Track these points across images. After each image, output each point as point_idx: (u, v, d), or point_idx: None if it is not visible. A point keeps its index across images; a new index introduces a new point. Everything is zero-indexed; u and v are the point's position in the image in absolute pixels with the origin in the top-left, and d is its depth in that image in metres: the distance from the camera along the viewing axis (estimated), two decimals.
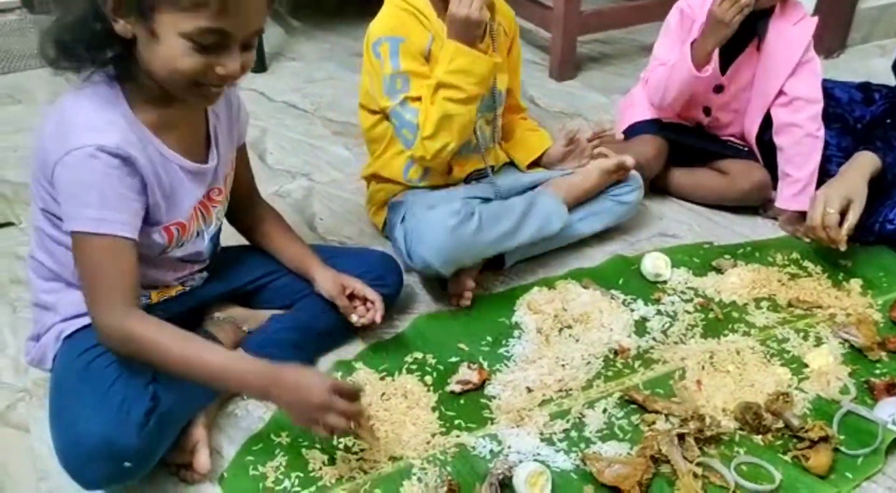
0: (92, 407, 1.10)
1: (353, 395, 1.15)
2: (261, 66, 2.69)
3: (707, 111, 1.99)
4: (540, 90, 2.59)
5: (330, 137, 2.31)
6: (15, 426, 1.33)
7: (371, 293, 1.43)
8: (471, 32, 1.50)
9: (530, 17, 2.68)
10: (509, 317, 1.59)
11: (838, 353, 1.49)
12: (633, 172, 1.81)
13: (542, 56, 2.78)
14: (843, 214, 1.64)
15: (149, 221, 1.16)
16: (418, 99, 1.55)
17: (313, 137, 2.31)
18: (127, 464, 1.09)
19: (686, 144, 1.97)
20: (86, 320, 1.21)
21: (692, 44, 1.79)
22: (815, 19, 1.85)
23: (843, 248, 1.64)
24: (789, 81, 1.84)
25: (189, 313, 1.38)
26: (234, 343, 1.40)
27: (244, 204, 1.43)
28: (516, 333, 1.55)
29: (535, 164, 1.84)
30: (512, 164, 1.84)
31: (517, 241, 1.63)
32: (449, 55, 1.51)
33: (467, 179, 1.73)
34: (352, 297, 1.43)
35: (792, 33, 1.83)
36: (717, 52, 1.78)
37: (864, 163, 1.72)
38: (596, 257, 1.79)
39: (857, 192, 1.65)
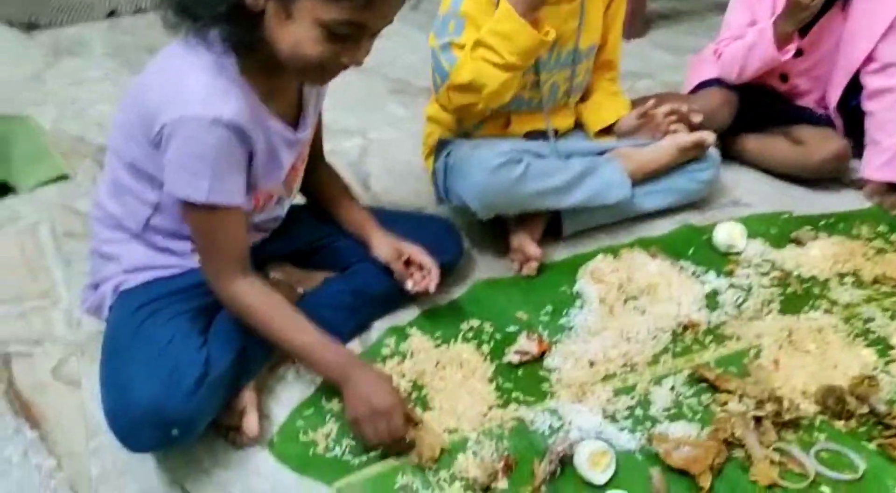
0: (143, 372, 1.07)
1: (410, 422, 1.18)
2: None
3: (784, 78, 1.85)
4: None
5: (387, 95, 2.24)
6: (67, 380, 1.32)
7: (427, 261, 1.37)
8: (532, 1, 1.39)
9: None
10: (571, 286, 1.52)
11: None
12: (711, 150, 1.69)
13: None
14: None
15: (251, 175, 1.15)
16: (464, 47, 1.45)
17: (370, 94, 2.24)
18: (175, 431, 1.06)
19: (759, 104, 1.84)
20: (145, 276, 1.20)
21: (774, 23, 1.66)
22: None
23: None
24: (880, 46, 1.69)
25: None
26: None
27: (311, 166, 1.39)
28: (578, 303, 1.48)
29: (606, 131, 1.72)
30: (581, 128, 1.73)
31: (565, 202, 1.54)
32: (498, 15, 1.41)
33: (527, 136, 1.64)
34: (408, 263, 1.37)
35: None
36: None
37: None
38: (663, 225, 1.70)
39: None
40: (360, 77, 2.32)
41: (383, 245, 1.37)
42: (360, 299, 1.39)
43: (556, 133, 1.65)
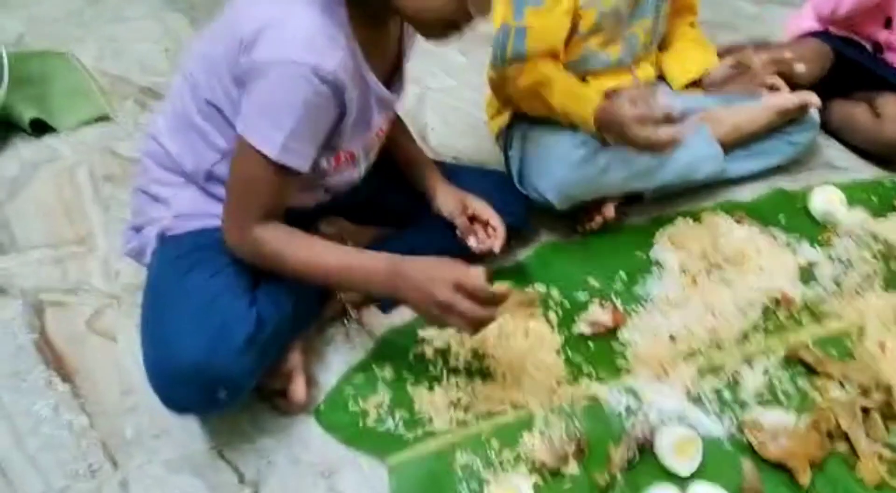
0: (189, 325, 0.97)
1: (482, 297, 0.96)
2: None
3: (889, 23, 1.65)
4: None
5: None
6: (102, 333, 1.23)
7: (495, 219, 1.24)
8: (615, 135, 1.22)
9: None
10: (647, 251, 1.38)
11: None
12: (812, 110, 1.51)
13: None
14: None
15: (325, 145, 1.03)
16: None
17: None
18: (221, 392, 0.96)
19: (852, 62, 1.65)
20: (194, 224, 1.09)
21: None
22: None
23: None
24: None
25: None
26: None
27: None
28: (655, 270, 1.34)
29: (693, 84, 1.53)
30: (663, 80, 1.55)
31: (652, 183, 1.40)
32: (579, 103, 1.25)
33: (607, 95, 1.47)
34: (472, 219, 1.24)
35: None
36: None
37: None
38: (750, 188, 1.54)
39: None
40: None
41: (448, 198, 1.25)
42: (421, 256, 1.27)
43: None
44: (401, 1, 0.95)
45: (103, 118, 1.74)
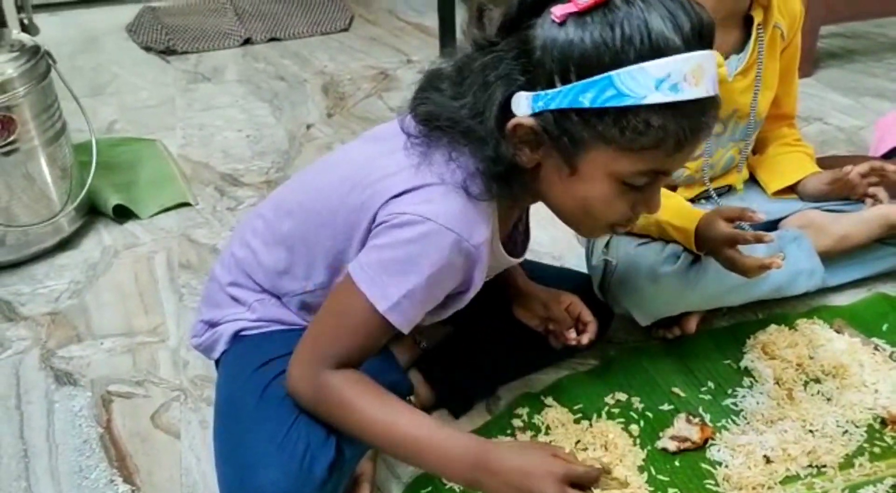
0: (272, 452, 0.89)
1: (591, 483, 0.86)
2: None
3: None
4: None
5: None
6: (165, 429, 1.20)
7: (587, 312, 1.17)
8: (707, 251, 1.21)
9: None
10: (737, 360, 1.28)
11: None
12: None
13: None
14: None
15: (446, 304, 0.98)
16: None
17: None
18: None
19: None
20: (272, 327, 1.04)
21: None
22: None
23: None
24: None
25: None
26: (410, 360, 1.20)
27: None
28: (747, 381, 1.24)
29: (788, 189, 1.45)
30: (756, 183, 1.48)
31: (744, 299, 1.32)
32: (681, 217, 1.23)
33: (694, 200, 1.40)
34: (548, 320, 1.18)
35: None
36: None
37: None
38: (849, 293, 1.43)
39: None
40: None
41: (534, 302, 1.18)
42: (496, 360, 1.22)
43: (728, 190, 1.43)
44: (555, 199, 0.90)
45: (185, 204, 1.77)
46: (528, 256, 1.50)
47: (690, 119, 0.80)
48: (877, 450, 1.12)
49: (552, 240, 1.60)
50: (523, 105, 0.83)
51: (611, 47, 0.77)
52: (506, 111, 0.84)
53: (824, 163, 1.49)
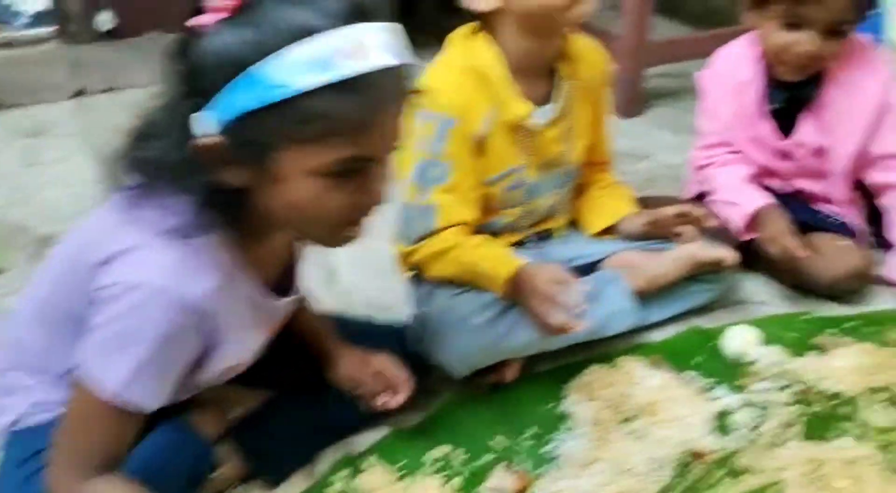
0: None
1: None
2: None
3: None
4: None
5: None
6: None
7: (401, 372, 1.17)
8: (520, 299, 1.24)
9: None
10: (557, 404, 1.30)
11: None
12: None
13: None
14: None
15: (201, 364, 0.94)
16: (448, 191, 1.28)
17: None
18: None
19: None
20: (46, 417, 0.96)
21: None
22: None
23: None
24: (873, 139, 1.54)
25: None
26: (217, 434, 1.14)
27: None
28: (565, 425, 1.26)
29: (607, 230, 1.50)
30: (576, 226, 1.52)
31: (562, 343, 1.33)
32: (491, 268, 1.25)
33: (515, 245, 1.43)
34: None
35: (859, 83, 1.52)
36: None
37: None
38: (668, 328, 1.48)
39: None
40: None
41: (353, 363, 1.17)
42: (313, 427, 1.19)
43: (550, 235, 1.47)
44: (275, 216, 0.85)
45: None
46: (356, 309, 1.50)
47: (363, 95, 0.76)
48: (686, 485, 1.15)
49: (380, 291, 1.58)
50: (202, 124, 0.79)
51: (251, 43, 0.75)
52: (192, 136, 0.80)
53: (648, 202, 1.55)
